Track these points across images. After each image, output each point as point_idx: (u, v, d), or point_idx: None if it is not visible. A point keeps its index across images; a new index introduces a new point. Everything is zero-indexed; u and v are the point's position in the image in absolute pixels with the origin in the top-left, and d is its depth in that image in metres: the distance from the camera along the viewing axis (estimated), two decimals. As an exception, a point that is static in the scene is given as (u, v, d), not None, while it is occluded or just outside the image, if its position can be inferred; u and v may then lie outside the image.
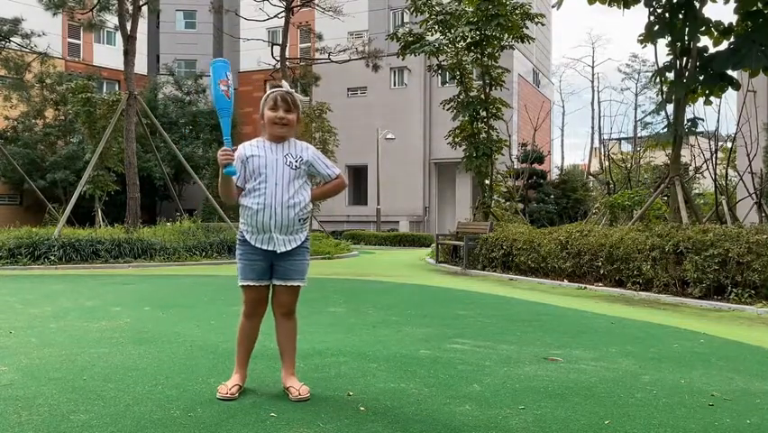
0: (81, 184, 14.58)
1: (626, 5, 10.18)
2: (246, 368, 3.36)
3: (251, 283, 3.21)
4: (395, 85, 31.67)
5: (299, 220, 3.19)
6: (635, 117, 45.75)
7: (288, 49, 21.43)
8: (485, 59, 14.35)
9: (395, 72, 31.03)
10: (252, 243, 3.18)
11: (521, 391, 3.41)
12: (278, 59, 20.68)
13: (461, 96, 14.84)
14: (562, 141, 54.54)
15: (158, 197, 28.79)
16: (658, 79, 10.84)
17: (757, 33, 9.01)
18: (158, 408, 3.01)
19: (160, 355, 4.14)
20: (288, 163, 3.17)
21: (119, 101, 16.29)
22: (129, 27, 15.10)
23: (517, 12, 13.81)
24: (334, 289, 8.68)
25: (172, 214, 19.49)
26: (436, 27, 14.61)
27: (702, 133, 14.58)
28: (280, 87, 3.27)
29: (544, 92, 38.01)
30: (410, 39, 14.73)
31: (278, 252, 3.17)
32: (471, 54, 14.56)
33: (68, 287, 8.48)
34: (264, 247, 3.17)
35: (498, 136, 14.98)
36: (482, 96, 14.65)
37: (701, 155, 18.24)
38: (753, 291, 7.40)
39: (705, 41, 10.04)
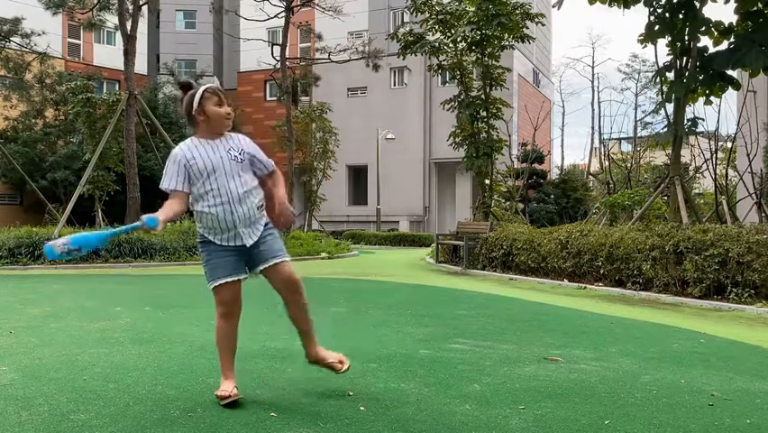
0: (81, 184, 14.59)
1: (626, 5, 10.17)
2: (233, 372, 3.24)
3: (225, 281, 3.12)
4: (395, 85, 31.66)
5: (257, 208, 3.17)
6: (635, 117, 45.76)
7: (287, 49, 21.43)
8: (485, 58, 14.35)
9: (395, 72, 31.02)
10: (217, 242, 3.13)
11: (521, 391, 3.41)
12: (278, 59, 20.68)
13: (462, 96, 14.84)
14: (562, 141, 54.64)
15: (158, 197, 28.76)
16: (658, 79, 10.83)
17: (757, 33, 9.00)
18: (158, 408, 3.01)
19: (160, 355, 4.14)
20: (233, 158, 3.15)
21: (119, 101, 16.28)
22: (129, 27, 15.09)
23: (518, 12, 13.82)
24: (334, 288, 8.68)
25: (172, 214, 19.44)
26: (436, 27, 14.61)
27: (702, 132, 14.57)
28: (210, 84, 3.26)
29: (544, 92, 38.01)
30: (410, 39, 14.73)
31: (248, 245, 3.16)
32: (472, 54, 14.56)
33: (68, 287, 8.48)
34: (233, 244, 3.14)
35: (498, 136, 14.98)
36: (483, 95, 14.65)
37: (701, 155, 18.24)
38: (753, 291, 7.39)
39: (705, 41, 10.05)
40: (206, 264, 3.17)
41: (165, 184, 3.10)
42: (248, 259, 3.18)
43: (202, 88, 3.16)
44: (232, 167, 3.13)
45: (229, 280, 3.13)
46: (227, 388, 3.10)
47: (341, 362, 3.35)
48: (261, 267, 3.18)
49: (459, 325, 5.61)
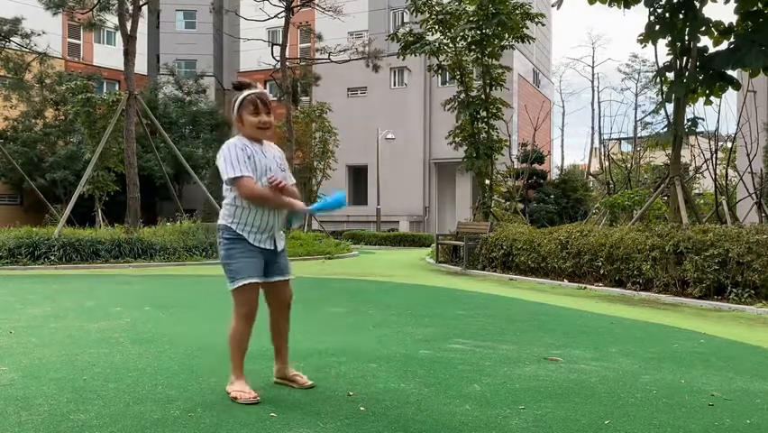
0: (81, 184, 14.59)
1: (627, 5, 10.17)
2: None
3: (256, 280, 3.15)
4: (395, 85, 31.66)
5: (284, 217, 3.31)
6: (635, 117, 45.72)
7: (287, 49, 21.44)
8: (485, 58, 14.36)
9: (395, 72, 31.01)
10: (252, 241, 3.16)
11: (521, 391, 3.41)
12: (279, 59, 20.69)
13: (462, 96, 14.85)
14: (562, 141, 54.62)
15: (158, 197, 28.77)
16: (658, 79, 10.84)
17: (757, 33, 9.00)
18: (158, 408, 3.01)
19: (160, 355, 4.14)
20: (278, 165, 3.25)
21: (119, 101, 16.27)
22: (129, 27, 15.08)
23: (518, 11, 13.82)
24: (334, 289, 8.69)
25: (172, 214, 19.48)
26: (436, 27, 14.62)
27: (702, 133, 14.58)
28: (255, 88, 3.22)
29: (544, 92, 38.00)
30: (410, 39, 14.73)
31: (279, 249, 3.26)
32: (472, 54, 14.57)
33: (68, 287, 8.48)
34: (264, 246, 3.20)
35: (498, 136, 14.99)
36: (483, 95, 14.66)
37: (701, 155, 18.24)
38: (753, 291, 7.39)
39: (705, 41, 10.05)
40: (234, 261, 3.14)
41: (237, 172, 3.06)
42: (267, 265, 3.24)
43: (242, 95, 3.17)
44: (277, 173, 3.22)
45: (258, 280, 3.17)
46: (247, 389, 3.15)
47: (305, 379, 3.43)
48: (275, 278, 3.27)
49: (459, 325, 5.61)
